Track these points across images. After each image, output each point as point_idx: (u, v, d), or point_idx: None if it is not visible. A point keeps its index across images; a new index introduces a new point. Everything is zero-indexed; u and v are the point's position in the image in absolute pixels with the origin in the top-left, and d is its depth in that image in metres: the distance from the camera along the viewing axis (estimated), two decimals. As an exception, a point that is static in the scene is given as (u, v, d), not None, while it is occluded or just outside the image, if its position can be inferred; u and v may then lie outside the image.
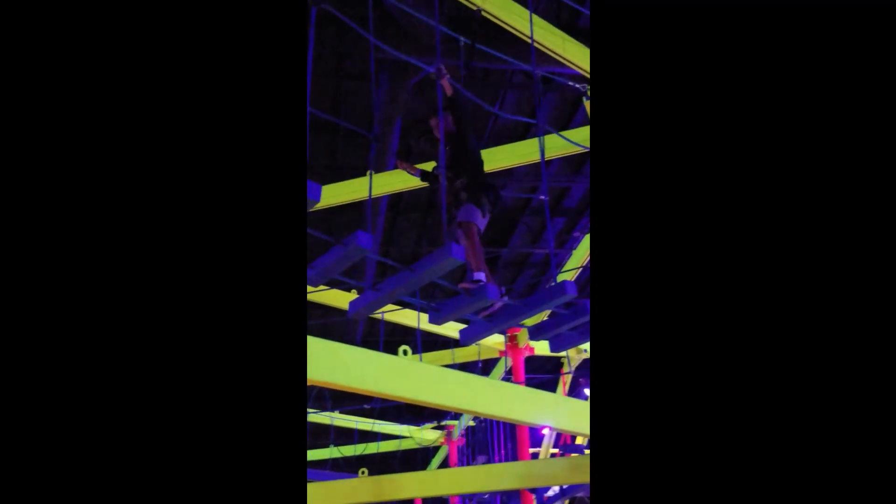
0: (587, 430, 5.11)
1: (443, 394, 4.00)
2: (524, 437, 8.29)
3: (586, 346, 8.33)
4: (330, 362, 3.35)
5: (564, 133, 6.06)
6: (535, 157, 6.08)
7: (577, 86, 5.90)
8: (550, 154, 6.32)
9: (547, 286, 3.94)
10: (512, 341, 8.71)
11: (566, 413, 4.97)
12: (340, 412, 10.95)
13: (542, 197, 5.34)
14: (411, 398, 3.84)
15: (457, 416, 11.89)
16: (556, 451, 11.32)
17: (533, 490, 8.28)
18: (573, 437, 11.28)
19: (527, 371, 8.88)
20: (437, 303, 3.80)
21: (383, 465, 13.70)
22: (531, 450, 8.97)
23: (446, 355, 9.57)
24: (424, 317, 4.31)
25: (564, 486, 9.10)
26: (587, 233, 8.11)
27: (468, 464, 11.95)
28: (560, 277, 6.89)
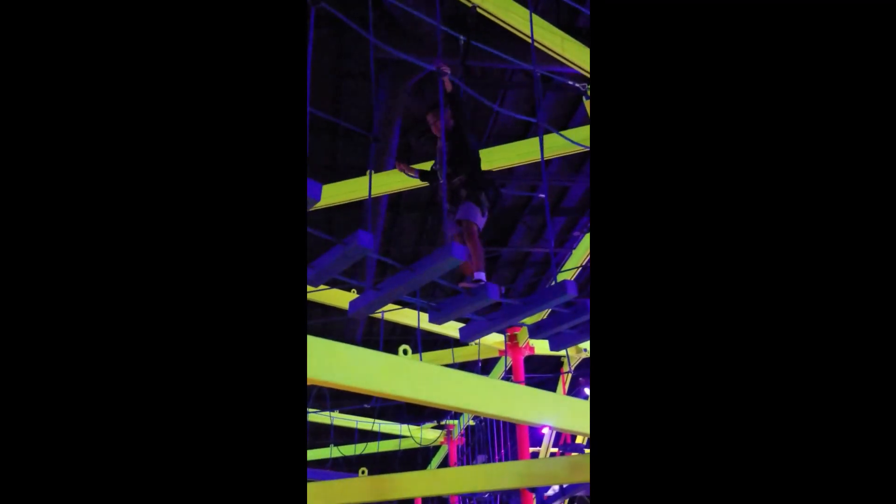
0: (587, 430, 5.10)
1: (443, 393, 4.00)
2: (524, 436, 8.28)
3: (586, 344, 8.33)
4: (330, 362, 3.34)
5: (564, 132, 6.06)
6: (534, 157, 6.09)
7: (577, 85, 5.90)
8: (550, 153, 6.32)
9: (547, 285, 3.94)
10: (512, 341, 8.70)
11: (566, 412, 4.96)
12: (340, 411, 10.94)
13: (542, 196, 5.33)
14: (411, 397, 3.83)
15: (457, 415, 11.88)
16: (555, 450, 11.32)
17: (533, 489, 8.27)
18: (573, 437, 11.27)
19: (526, 370, 8.88)
20: (437, 302, 3.80)
21: (383, 464, 13.70)
22: (531, 449, 8.97)
23: (446, 355, 9.55)
24: (424, 316, 4.31)
25: (564, 486, 9.10)
26: (587, 232, 8.11)
27: (468, 463, 11.94)
28: (560, 276, 6.91)
